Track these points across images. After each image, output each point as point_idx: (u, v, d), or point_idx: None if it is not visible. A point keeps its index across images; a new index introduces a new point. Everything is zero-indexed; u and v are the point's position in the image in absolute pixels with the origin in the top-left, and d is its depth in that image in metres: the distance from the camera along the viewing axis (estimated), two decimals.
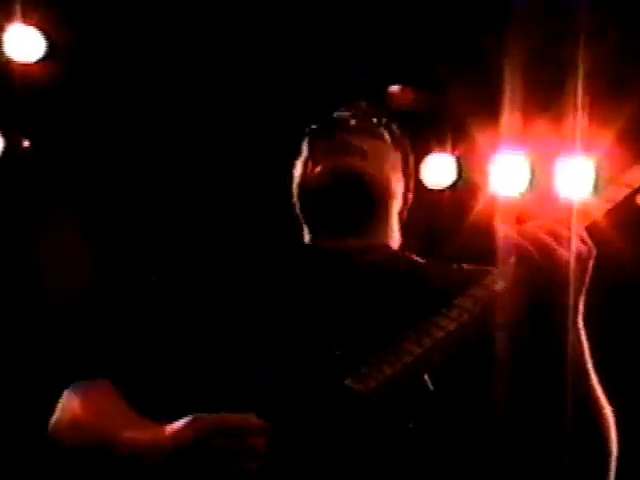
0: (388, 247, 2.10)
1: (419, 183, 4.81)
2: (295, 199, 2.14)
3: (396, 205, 2.12)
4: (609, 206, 1.77)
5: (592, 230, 1.74)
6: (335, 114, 2.13)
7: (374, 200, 2.06)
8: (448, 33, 4.41)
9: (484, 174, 4.81)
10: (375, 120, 2.12)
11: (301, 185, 2.11)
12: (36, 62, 4.22)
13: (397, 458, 1.72)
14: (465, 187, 4.86)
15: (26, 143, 4.50)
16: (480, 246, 1.79)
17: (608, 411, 1.77)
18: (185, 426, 1.64)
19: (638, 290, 4.73)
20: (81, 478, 1.76)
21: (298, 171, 2.14)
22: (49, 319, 4.54)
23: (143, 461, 1.66)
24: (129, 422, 1.77)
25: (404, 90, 4.69)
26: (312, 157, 2.10)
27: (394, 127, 2.16)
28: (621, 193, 1.78)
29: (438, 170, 4.86)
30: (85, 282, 4.50)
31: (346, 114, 2.13)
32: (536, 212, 1.75)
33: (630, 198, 1.78)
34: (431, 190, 4.88)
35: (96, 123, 4.44)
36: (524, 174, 4.76)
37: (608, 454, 1.77)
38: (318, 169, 2.05)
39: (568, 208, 1.76)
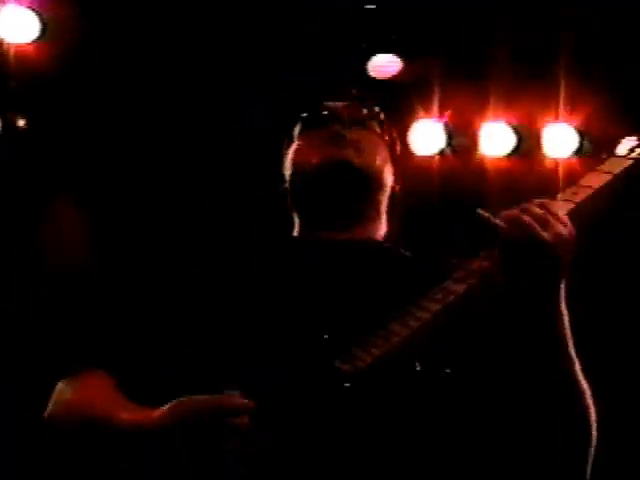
0: (378, 237, 2.10)
1: (407, 150, 4.88)
2: (287, 187, 2.13)
3: (386, 195, 2.11)
4: (608, 178, 1.84)
5: (574, 215, 1.79)
6: (328, 104, 2.14)
7: (367, 193, 2.05)
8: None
9: (472, 139, 4.89)
10: (365, 110, 2.13)
11: (295, 174, 2.10)
12: (30, 43, 4.23)
13: (384, 438, 1.75)
14: (453, 152, 4.93)
15: (21, 123, 4.51)
16: (468, 217, 1.84)
17: (588, 390, 1.80)
18: (172, 408, 1.68)
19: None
20: (81, 478, 1.80)
21: (290, 159, 2.13)
22: (45, 304, 4.54)
23: (135, 443, 1.71)
24: (122, 407, 1.79)
25: (390, 58, 4.75)
26: (306, 147, 2.10)
27: (382, 116, 2.16)
28: (618, 166, 1.86)
29: (426, 137, 4.93)
30: (83, 264, 4.51)
31: (339, 104, 2.13)
32: (523, 173, 1.81)
33: (610, 185, 1.85)
34: (419, 156, 4.95)
35: (92, 103, 4.44)
36: (511, 138, 4.85)
37: (588, 432, 1.80)
38: (313, 160, 2.05)
39: (554, 168, 1.84)
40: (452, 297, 1.73)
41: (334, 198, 2.03)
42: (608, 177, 1.85)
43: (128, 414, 1.76)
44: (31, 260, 4.64)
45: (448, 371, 1.82)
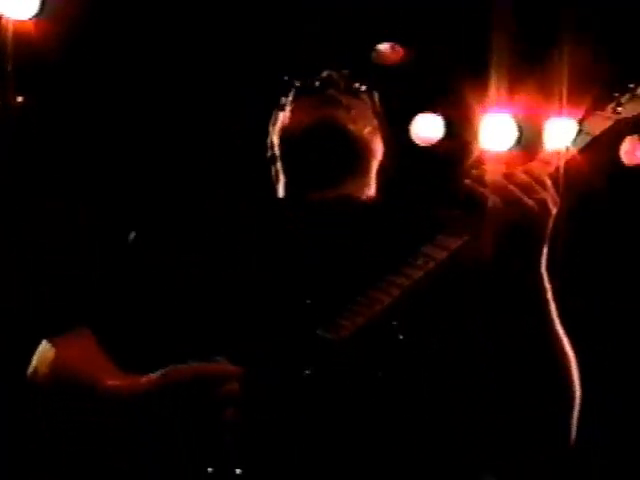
0: (364, 199, 2.12)
1: (409, 141, 4.89)
2: (276, 149, 2.15)
3: (375, 163, 2.14)
4: (587, 139, 1.85)
5: (569, 166, 1.81)
6: (322, 74, 2.15)
7: (357, 155, 2.09)
8: None
9: (473, 131, 4.88)
10: (357, 85, 2.16)
11: (287, 135, 2.13)
12: (29, 19, 4.23)
13: (367, 406, 1.77)
14: (454, 144, 4.92)
15: (19, 99, 4.51)
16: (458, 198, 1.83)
17: (571, 353, 1.82)
18: (163, 375, 1.68)
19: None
20: (80, 477, 1.78)
21: (282, 122, 2.15)
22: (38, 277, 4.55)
23: (124, 407, 1.70)
24: (108, 372, 1.79)
25: (393, 48, 4.74)
26: (300, 109, 2.12)
27: (374, 96, 2.20)
28: (598, 127, 1.87)
29: (427, 128, 4.93)
30: (77, 241, 4.52)
31: (331, 73, 2.15)
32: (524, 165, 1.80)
33: (616, 127, 1.88)
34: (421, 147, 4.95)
35: (91, 81, 4.45)
36: (512, 131, 4.84)
37: (571, 396, 1.82)
38: (307, 120, 2.07)
39: (555, 159, 1.80)
40: (432, 264, 1.73)
41: (323, 155, 2.06)
42: (587, 138, 1.86)
43: (114, 379, 1.75)
44: (28, 244, 4.66)
45: (431, 339, 1.83)
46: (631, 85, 1.92)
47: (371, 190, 2.14)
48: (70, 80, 4.48)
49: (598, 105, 1.91)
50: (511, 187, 1.74)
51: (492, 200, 1.73)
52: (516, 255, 1.77)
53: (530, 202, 1.73)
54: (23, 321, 3.90)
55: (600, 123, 1.88)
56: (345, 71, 2.20)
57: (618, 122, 1.87)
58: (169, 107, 4.54)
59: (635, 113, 1.88)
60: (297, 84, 2.17)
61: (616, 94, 1.90)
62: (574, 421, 1.83)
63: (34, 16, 4.20)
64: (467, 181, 1.77)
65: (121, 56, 4.40)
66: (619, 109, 1.88)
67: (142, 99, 4.54)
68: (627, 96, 1.90)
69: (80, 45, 4.37)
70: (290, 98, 2.16)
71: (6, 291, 4.48)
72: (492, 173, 1.78)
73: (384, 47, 4.70)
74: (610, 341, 4.84)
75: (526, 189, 1.74)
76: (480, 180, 1.76)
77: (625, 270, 4.90)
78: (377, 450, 1.76)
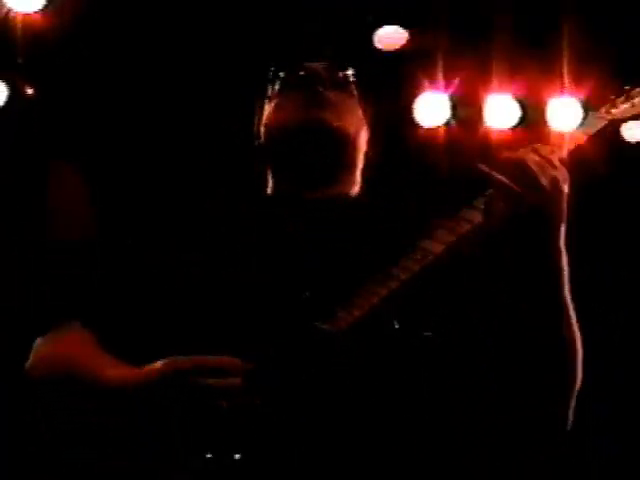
0: (356, 195, 2.13)
1: (412, 121, 4.91)
2: (263, 143, 2.15)
3: (361, 157, 2.15)
4: (582, 138, 1.89)
5: (575, 153, 1.85)
6: (307, 64, 2.14)
7: (343, 154, 2.10)
8: None
9: (477, 111, 4.90)
10: (342, 74, 2.15)
11: (274, 133, 2.12)
12: (37, 12, 4.25)
13: (364, 397, 1.78)
14: (458, 124, 4.94)
15: (30, 91, 4.54)
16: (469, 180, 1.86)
17: (579, 337, 1.84)
18: (164, 366, 1.72)
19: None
20: (82, 468, 1.80)
21: (269, 116, 2.14)
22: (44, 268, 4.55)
23: (127, 397, 1.74)
24: (106, 362, 1.82)
25: (396, 31, 4.76)
26: (286, 106, 2.11)
27: (355, 80, 2.18)
28: (593, 126, 1.91)
29: (431, 108, 4.94)
30: (84, 231, 4.53)
31: (318, 65, 2.14)
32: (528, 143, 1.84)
33: (609, 127, 1.92)
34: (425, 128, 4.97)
35: (100, 71, 4.47)
36: (516, 111, 4.87)
37: (574, 378, 1.84)
38: (294, 120, 2.07)
39: (559, 139, 1.84)
40: (431, 257, 1.76)
41: (312, 158, 2.07)
42: (583, 137, 1.90)
43: (114, 370, 1.78)
44: (32, 228, 4.66)
45: (428, 334, 1.85)
46: (626, 87, 1.95)
47: (357, 186, 2.15)
48: (77, 72, 4.50)
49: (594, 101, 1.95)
50: (527, 168, 1.75)
51: (507, 184, 1.75)
52: (533, 237, 1.78)
53: (544, 181, 1.75)
54: (21, 319, 3.92)
55: (595, 123, 1.92)
56: (330, 60, 2.18)
57: (612, 123, 1.92)
58: (169, 107, 4.54)
59: (629, 115, 1.92)
60: (282, 75, 2.16)
61: (612, 96, 1.95)
62: (572, 408, 1.85)
63: (41, 9, 4.24)
64: (480, 165, 1.79)
65: (126, 49, 4.43)
66: (613, 110, 1.92)
67: (145, 96, 4.54)
68: (622, 98, 1.94)
69: (87, 37, 4.40)
70: (276, 90, 2.15)
71: (4, 289, 4.51)
72: (502, 155, 1.80)
73: (387, 31, 4.72)
74: (618, 321, 4.86)
75: (540, 169, 1.76)
76: (492, 162, 1.78)
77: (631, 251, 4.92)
78: (373, 442, 1.78)
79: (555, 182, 1.76)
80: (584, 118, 1.98)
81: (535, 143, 1.82)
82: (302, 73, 2.13)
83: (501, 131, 4.88)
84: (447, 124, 4.94)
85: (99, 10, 4.30)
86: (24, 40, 4.30)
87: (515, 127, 4.87)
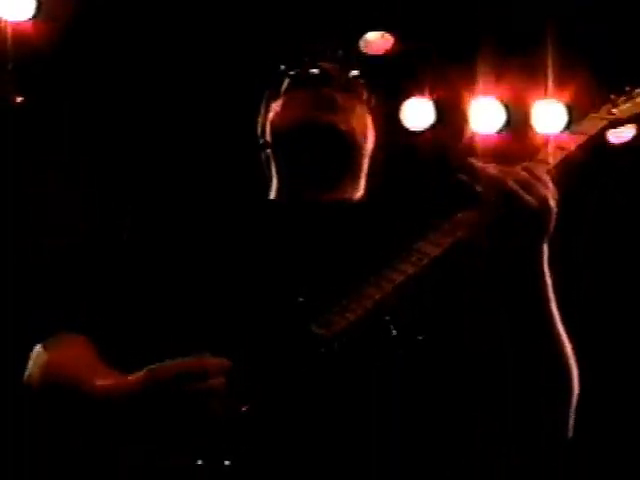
0: (356, 199, 2.12)
1: (399, 125, 4.95)
2: (269, 142, 2.13)
3: (366, 160, 2.13)
4: (583, 139, 1.89)
5: (566, 163, 1.84)
6: (318, 63, 2.10)
7: (349, 158, 2.07)
8: None
9: (462, 115, 4.95)
10: (350, 74, 2.12)
11: (281, 133, 2.09)
12: (27, 20, 4.27)
13: (360, 401, 1.77)
14: (444, 128, 4.99)
15: (19, 99, 4.54)
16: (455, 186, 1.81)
17: (569, 345, 1.83)
18: (145, 376, 1.69)
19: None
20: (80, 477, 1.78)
21: (277, 115, 2.11)
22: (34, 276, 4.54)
23: (110, 409, 1.72)
24: (98, 372, 1.79)
25: (382, 36, 4.79)
26: (294, 106, 2.08)
27: (364, 80, 2.15)
28: (594, 127, 1.93)
29: (417, 113, 5.00)
30: (72, 238, 4.50)
31: (327, 65, 2.11)
32: (514, 148, 1.86)
33: (601, 132, 1.93)
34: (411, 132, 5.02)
35: (89, 80, 4.49)
36: (501, 114, 4.93)
37: (570, 389, 1.83)
38: (301, 122, 2.04)
39: (544, 143, 1.84)
40: (425, 260, 1.75)
41: (317, 160, 2.04)
42: (583, 138, 1.90)
43: (102, 380, 1.76)
44: (22, 232, 4.65)
45: (421, 337, 1.84)
46: (627, 88, 1.97)
47: (362, 189, 2.13)
48: (68, 79, 4.51)
49: (593, 107, 1.98)
50: (510, 183, 1.73)
51: (487, 195, 1.74)
52: (517, 251, 1.77)
53: (529, 198, 1.73)
54: (18, 326, 3.93)
55: (595, 123, 1.93)
56: (340, 57, 2.16)
57: (612, 123, 1.94)
58: (167, 107, 4.56)
59: (629, 115, 1.94)
60: (292, 73, 2.12)
61: (612, 96, 1.96)
62: (572, 417, 1.84)
63: (31, 17, 4.25)
64: (462, 176, 1.77)
65: (117, 55, 4.44)
66: (614, 110, 1.94)
67: (139, 98, 4.56)
68: (622, 98, 1.96)
69: (77, 45, 4.42)
70: (284, 88, 2.12)
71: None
72: (487, 166, 1.77)
73: (373, 36, 4.76)
74: (610, 335, 4.88)
75: (525, 185, 1.74)
76: (475, 175, 1.76)
77: (622, 262, 4.96)
78: (366, 448, 1.76)
79: (543, 200, 1.75)
80: (577, 120, 1.97)
81: (522, 147, 1.84)
82: (313, 72, 2.09)
83: (486, 134, 4.94)
84: (433, 128, 4.99)
85: (87, 18, 4.31)
86: (14, 48, 4.31)
87: (500, 130, 4.93)
